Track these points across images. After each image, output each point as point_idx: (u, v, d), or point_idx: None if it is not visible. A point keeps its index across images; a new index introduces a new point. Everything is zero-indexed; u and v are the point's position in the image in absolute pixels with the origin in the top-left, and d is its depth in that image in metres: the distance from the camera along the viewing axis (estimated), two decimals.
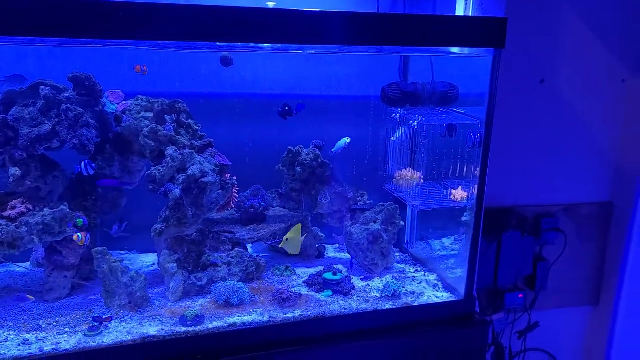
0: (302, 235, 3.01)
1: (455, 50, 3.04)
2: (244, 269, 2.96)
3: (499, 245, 3.79)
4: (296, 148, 3.32)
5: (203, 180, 2.73)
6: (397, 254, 3.66)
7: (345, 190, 3.34)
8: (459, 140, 3.10)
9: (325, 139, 3.41)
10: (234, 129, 3.36)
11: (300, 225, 2.90)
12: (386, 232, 3.27)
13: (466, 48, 2.97)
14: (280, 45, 2.52)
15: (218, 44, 2.49)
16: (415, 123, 2.99)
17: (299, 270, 3.27)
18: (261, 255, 3.48)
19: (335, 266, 3.19)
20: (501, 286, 3.83)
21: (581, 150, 3.64)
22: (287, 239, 2.84)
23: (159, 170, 2.73)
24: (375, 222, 3.27)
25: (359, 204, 3.34)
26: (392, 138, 3.51)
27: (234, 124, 3.36)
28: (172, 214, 2.74)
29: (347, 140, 3.16)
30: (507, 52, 2.70)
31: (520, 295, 3.92)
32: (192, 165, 2.75)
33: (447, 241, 3.82)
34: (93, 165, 2.68)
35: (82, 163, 2.66)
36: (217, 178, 2.82)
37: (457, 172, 3.15)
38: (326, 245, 3.68)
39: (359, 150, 3.52)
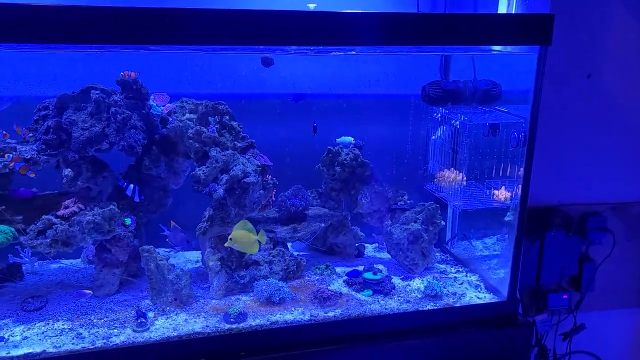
0: (258, 233, 2.65)
1: (497, 48, 3.00)
2: (285, 267, 3.00)
3: (541, 245, 3.72)
4: (336, 148, 3.34)
5: (245, 180, 2.78)
6: (437, 254, 3.64)
7: (385, 190, 3.34)
8: (501, 139, 3.06)
9: (365, 138, 3.42)
10: (274, 129, 3.41)
11: (246, 221, 2.61)
12: (427, 232, 3.26)
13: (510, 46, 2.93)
14: (321, 47, 2.54)
15: (260, 46, 2.53)
16: (458, 122, 2.96)
17: (339, 269, 3.29)
18: (301, 254, 3.53)
19: (375, 265, 3.20)
20: (544, 286, 3.75)
21: (629, 146, 3.53)
22: (232, 239, 2.58)
23: (203, 170, 2.80)
24: (415, 221, 3.26)
25: (399, 203, 3.33)
26: (433, 137, 3.49)
27: (274, 124, 3.40)
28: (216, 213, 2.80)
29: (350, 139, 3.18)
30: (551, 48, 2.64)
31: (565, 296, 3.83)
32: (235, 166, 2.80)
33: (489, 241, 3.78)
34: (142, 196, 2.78)
35: (131, 187, 2.76)
36: (259, 178, 2.86)
37: (500, 171, 3.11)
38: (365, 245, 3.69)
39: (398, 150, 3.51)
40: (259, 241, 2.66)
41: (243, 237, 2.60)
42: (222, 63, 3.14)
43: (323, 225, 3.24)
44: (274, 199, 3.11)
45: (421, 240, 3.23)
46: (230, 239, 2.62)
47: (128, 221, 2.78)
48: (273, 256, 3.00)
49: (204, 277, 2.97)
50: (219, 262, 2.81)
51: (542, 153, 3.06)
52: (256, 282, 2.86)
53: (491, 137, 3.07)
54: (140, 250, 2.71)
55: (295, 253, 3.43)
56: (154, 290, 2.73)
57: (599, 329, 3.89)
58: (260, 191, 2.91)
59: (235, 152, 2.86)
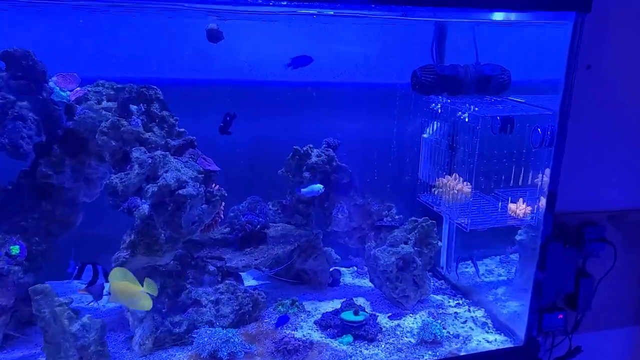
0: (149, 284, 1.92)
1: (512, 17, 2.32)
2: (237, 308, 2.25)
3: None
4: (305, 148, 2.61)
5: (181, 192, 2.02)
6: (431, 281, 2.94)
7: (367, 202, 2.62)
8: (515, 137, 2.39)
9: (340, 135, 2.70)
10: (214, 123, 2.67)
11: (124, 270, 1.90)
12: (420, 256, 2.56)
13: (524, 17, 2.27)
14: (286, 2, 1.81)
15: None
16: (466, 115, 2.27)
17: (309, 305, 2.55)
18: (261, 284, 2.78)
19: (355, 300, 2.49)
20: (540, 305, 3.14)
21: (629, 148, 2.93)
22: (111, 293, 1.92)
23: (121, 178, 2.03)
24: (406, 242, 2.55)
25: (384, 219, 2.62)
26: (425, 135, 2.79)
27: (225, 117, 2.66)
28: (139, 238, 2.03)
29: (319, 187, 2.50)
30: None
31: (560, 316, 3.19)
32: (166, 172, 2.03)
33: (490, 263, 3.11)
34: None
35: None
36: (201, 189, 2.10)
37: (514, 179, 2.43)
38: (342, 269, 2.96)
39: (384, 152, 2.80)
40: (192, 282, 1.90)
41: (124, 290, 1.85)
42: (159, 41, 2.47)
43: (289, 247, 2.49)
44: (222, 215, 2.35)
45: (413, 267, 2.53)
46: (109, 293, 1.88)
47: (16, 249, 2.00)
48: (221, 293, 2.25)
49: (127, 325, 2.18)
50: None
51: None
52: (197, 330, 2.11)
53: (503, 134, 2.39)
54: (30, 291, 1.91)
55: (253, 283, 2.68)
56: (50, 348, 1.94)
57: (597, 352, 3.31)
58: (203, 206, 2.15)
59: (168, 152, 2.09)
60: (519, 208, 2.27)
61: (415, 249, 2.55)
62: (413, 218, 2.61)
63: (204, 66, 2.64)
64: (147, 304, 1.86)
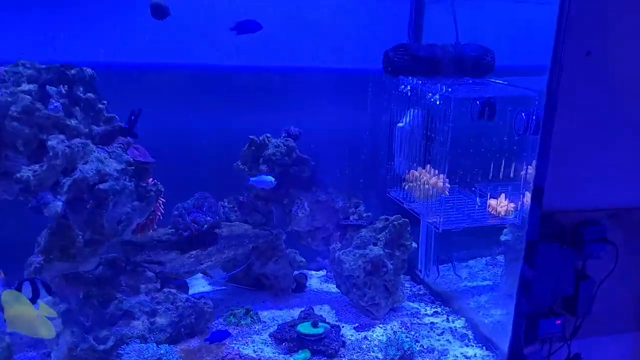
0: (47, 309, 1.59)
1: None
2: (177, 320, 1.96)
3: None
4: (261, 137, 2.32)
5: (101, 187, 1.73)
6: (407, 287, 2.65)
7: (331, 199, 2.33)
8: (497, 124, 2.10)
9: (304, 125, 2.40)
10: (173, 111, 2.37)
11: (17, 293, 1.57)
12: (391, 259, 2.26)
13: None
14: None
15: None
16: (437, 96, 1.97)
17: (266, 315, 2.27)
18: (216, 290, 2.49)
19: (319, 308, 2.20)
20: (535, 311, 2.84)
21: (633, 142, 2.63)
22: (8, 319, 1.57)
23: (35, 171, 1.73)
24: (375, 243, 2.26)
25: (351, 218, 2.33)
26: (400, 124, 2.49)
27: (174, 103, 2.37)
28: (53, 240, 1.74)
29: (270, 179, 2.20)
30: None
31: (558, 322, 2.89)
32: (86, 163, 1.74)
33: (476, 266, 2.82)
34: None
35: None
36: (129, 183, 1.81)
37: (494, 172, 2.14)
38: (310, 273, 2.68)
39: (352, 142, 2.51)
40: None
41: (18, 316, 1.53)
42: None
43: (242, 250, 2.20)
44: (161, 213, 2.05)
45: (383, 271, 2.23)
46: (8, 319, 1.55)
47: None
48: (158, 303, 1.95)
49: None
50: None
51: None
52: (125, 346, 1.81)
53: (483, 120, 2.10)
54: None
55: (207, 289, 2.40)
56: None
57: (597, 359, 3.01)
58: (134, 203, 1.86)
59: (89, 141, 1.80)
60: (501, 205, 1.97)
61: (386, 251, 2.25)
62: (384, 216, 2.32)
63: (152, 48, 2.36)
64: (47, 329, 1.55)
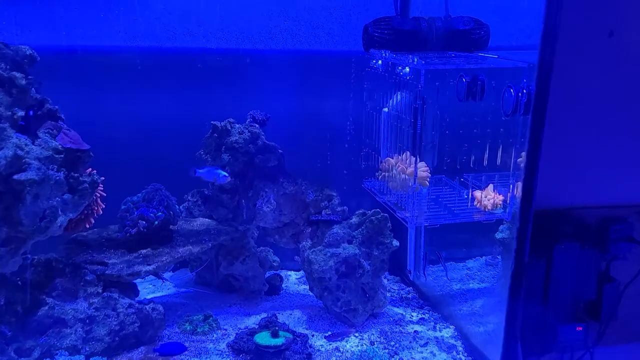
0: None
1: None
2: (117, 328, 1.72)
3: (549, 262, 2.47)
4: (223, 123, 2.07)
5: (17, 177, 1.50)
6: (395, 288, 2.39)
7: (301, 190, 2.07)
8: (489, 105, 1.81)
9: (272, 109, 2.15)
10: (136, 96, 2.17)
11: None
12: (368, 258, 2.00)
13: None
14: None
15: None
16: (407, 69, 1.69)
17: (230, 321, 2.03)
18: (181, 292, 2.26)
19: (290, 314, 1.95)
20: (553, 316, 2.51)
21: None
22: None
23: None
24: (350, 241, 1.99)
25: (323, 212, 2.06)
26: (385, 109, 2.22)
27: (138, 88, 2.17)
28: None
29: (223, 173, 1.94)
30: None
31: (580, 328, 2.56)
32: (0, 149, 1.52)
33: (474, 265, 2.53)
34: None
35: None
36: (58, 173, 1.59)
37: (484, 160, 1.85)
38: (288, 274, 2.43)
39: (330, 129, 2.25)
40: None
41: None
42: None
43: (199, 248, 1.96)
44: (100, 208, 1.82)
45: (359, 272, 1.97)
46: None
47: None
48: (96, 309, 1.72)
49: None
50: None
51: (549, 138, 1.85)
52: (52, 358, 1.59)
53: (471, 101, 1.81)
54: None
55: (171, 292, 2.18)
56: None
57: None
58: (65, 196, 1.63)
59: (7, 125, 1.57)
60: (487, 198, 1.68)
61: (363, 249, 1.99)
62: (361, 211, 2.05)
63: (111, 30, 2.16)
64: None
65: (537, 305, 2.52)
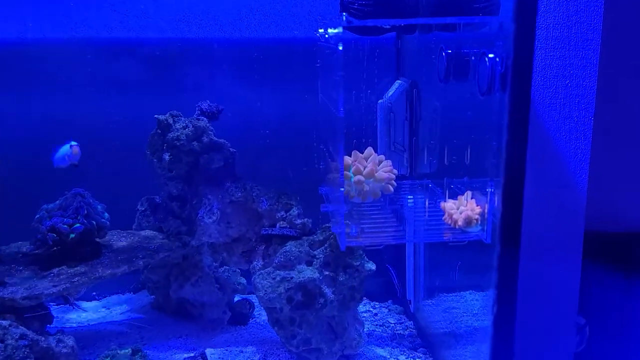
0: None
1: None
2: None
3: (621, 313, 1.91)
4: (164, 116, 1.73)
5: None
6: (391, 321, 1.93)
7: (251, 197, 1.67)
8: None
9: (226, 101, 1.78)
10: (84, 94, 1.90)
11: None
12: (333, 285, 1.55)
13: None
14: None
15: None
16: (332, 31, 1.25)
17: (172, 357, 1.66)
18: (133, 317, 1.93)
19: (242, 351, 1.56)
20: None
21: None
22: None
23: None
24: (310, 262, 1.57)
25: (278, 225, 1.64)
26: (380, 100, 1.80)
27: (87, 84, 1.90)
28: None
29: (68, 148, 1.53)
30: None
31: None
32: None
33: (488, 295, 1.99)
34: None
35: None
36: None
37: (448, 157, 1.37)
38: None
39: (289, 124, 1.85)
40: None
41: None
42: None
43: (125, 267, 1.61)
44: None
45: (320, 302, 1.53)
46: None
47: None
48: None
49: None
50: None
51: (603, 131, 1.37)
52: None
53: (454, 82, 1.36)
54: None
55: (119, 318, 1.86)
56: None
57: None
58: None
59: None
60: (461, 210, 1.19)
61: (326, 273, 1.55)
62: (328, 224, 1.62)
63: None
64: None
65: None
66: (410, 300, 1.96)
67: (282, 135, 1.86)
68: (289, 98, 1.87)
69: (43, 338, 1.48)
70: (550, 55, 1.44)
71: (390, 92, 1.86)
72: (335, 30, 1.19)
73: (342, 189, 1.18)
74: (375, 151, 1.83)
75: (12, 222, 1.75)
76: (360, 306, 2.07)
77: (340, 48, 1.17)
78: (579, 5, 1.42)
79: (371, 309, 2.06)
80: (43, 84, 1.89)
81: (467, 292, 1.98)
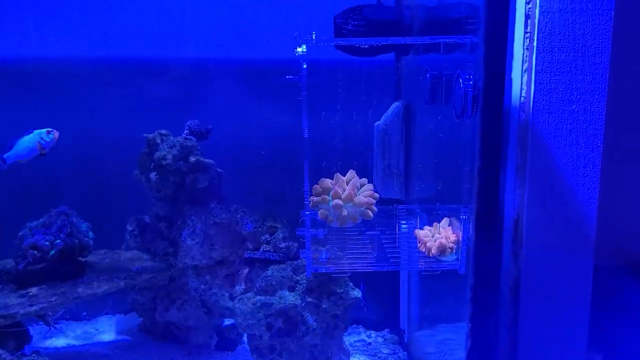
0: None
1: None
2: None
3: None
4: (153, 135, 1.71)
5: None
6: (385, 351, 1.85)
7: (235, 220, 1.63)
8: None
9: (217, 120, 1.76)
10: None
11: None
12: (317, 313, 1.49)
13: None
14: None
15: None
16: (302, 49, 1.20)
17: None
18: (119, 340, 1.89)
19: None
20: None
21: None
22: None
23: None
24: (292, 288, 1.51)
25: (261, 248, 1.59)
26: (377, 122, 1.77)
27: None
28: None
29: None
30: None
31: None
32: None
33: None
34: None
35: None
36: None
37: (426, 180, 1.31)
38: None
39: (282, 144, 1.82)
40: None
41: None
42: None
43: (106, 288, 1.58)
44: None
45: (302, 330, 1.47)
46: None
47: None
48: None
49: None
50: None
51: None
52: None
53: (439, 103, 1.32)
54: None
55: (106, 338, 1.83)
56: None
57: None
58: None
59: None
60: (435, 237, 1.13)
61: (309, 299, 1.49)
62: None
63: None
64: None
65: None
66: (404, 330, 1.88)
67: (274, 155, 1.82)
68: (279, 118, 1.84)
69: (15, 358, 1.45)
70: (556, 80, 1.38)
71: (387, 114, 1.82)
72: (300, 49, 1.15)
73: (307, 212, 1.12)
74: (371, 174, 1.78)
75: None
76: (354, 335, 2.00)
77: (305, 66, 1.13)
78: (585, 29, 1.36)
79: (365, 338, 1.98)
80: (34, 101, 1.90)
81: (463, 322, 1.89)
